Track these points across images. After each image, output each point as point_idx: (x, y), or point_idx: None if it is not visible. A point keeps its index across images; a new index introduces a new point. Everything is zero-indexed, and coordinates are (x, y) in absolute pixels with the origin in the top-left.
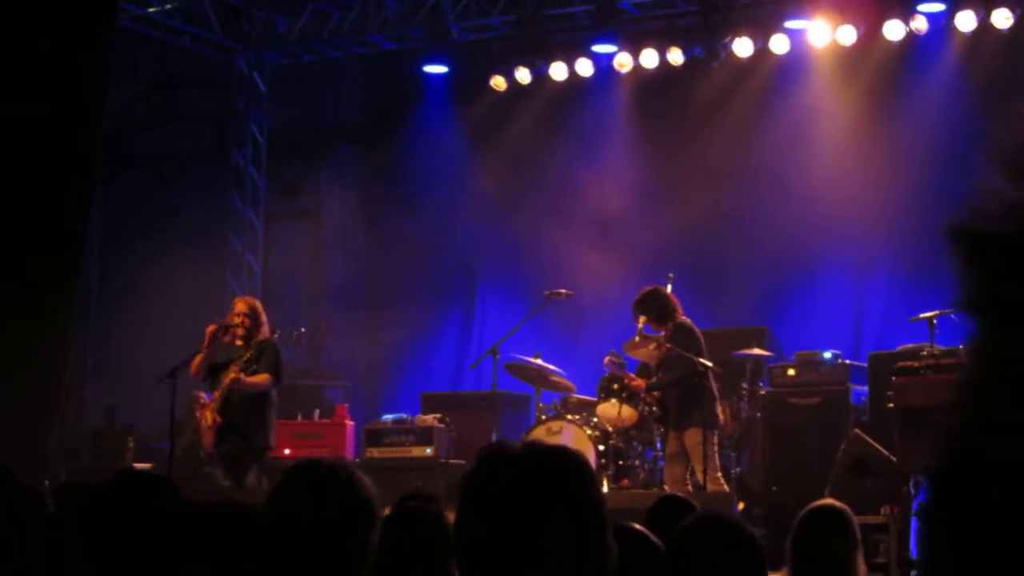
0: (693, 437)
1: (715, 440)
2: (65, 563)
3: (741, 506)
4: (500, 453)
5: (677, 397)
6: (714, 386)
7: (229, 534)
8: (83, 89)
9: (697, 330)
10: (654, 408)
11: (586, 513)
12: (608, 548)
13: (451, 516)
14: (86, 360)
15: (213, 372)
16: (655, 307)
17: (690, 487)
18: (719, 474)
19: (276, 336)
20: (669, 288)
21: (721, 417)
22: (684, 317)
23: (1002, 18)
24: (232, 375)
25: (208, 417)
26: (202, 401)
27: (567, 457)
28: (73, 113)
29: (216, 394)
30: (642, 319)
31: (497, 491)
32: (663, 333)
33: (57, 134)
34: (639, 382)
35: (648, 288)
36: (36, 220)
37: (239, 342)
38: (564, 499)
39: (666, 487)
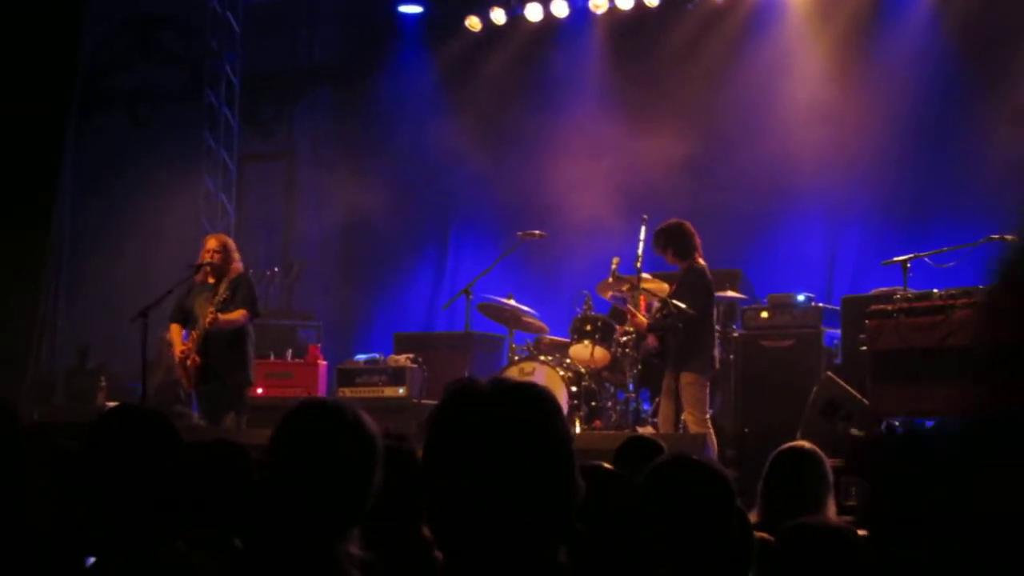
0: (687, 378)
1: (707, 384)
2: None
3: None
4: (467, 388)
5: (679, 340)
6: (715, 332)
7: (224, 473)
8: (57, 27)
9: (708, 276)
10: (653, 349)
11: (552, 448)
12: (575, 484)
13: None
14: (59, 299)
15: (189, 313)
16: (677, 240)
17: (680, 428)
18: (706, 417)
19: (250, 273)
20: (643, 231)
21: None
22: (701, 260)
23: None
24: (209, 316)
25: (187, 356)
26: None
27: (534, 392)
28: (47, 51)
29: (194, 334)
30: (616, 260)
31: (464, 425)
32: (678, 269)
33: (32, 72)
34: (641, 320)
35: (674, 220)
36: (10, 157)
37: (211, 279)
38: (530, 434)
39: (659, 421)
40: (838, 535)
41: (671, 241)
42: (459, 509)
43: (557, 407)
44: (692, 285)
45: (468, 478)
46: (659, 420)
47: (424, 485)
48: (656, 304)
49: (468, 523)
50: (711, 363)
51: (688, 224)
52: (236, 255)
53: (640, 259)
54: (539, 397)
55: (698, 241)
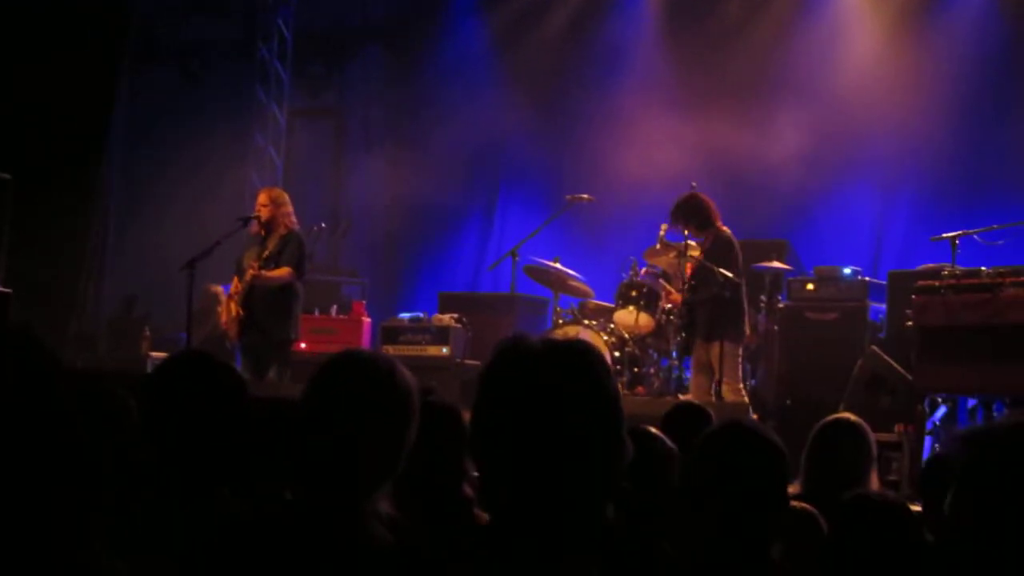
0: (718, 348)
1: (740, 352)
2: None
3: (755, 418)
4: (519, 346)
5: (709, 310)
6: (745, 300)
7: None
8: None
9: (735, 242)
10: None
11: (603, 406)
12: (624, 442)
13: (465, 415)
14: (106, 249)
15: (240, 264)
16: (695, 214)
17: (713, 397)
18: (740, 385)
19: (300, 231)
20: None
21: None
22: (724, 227)
23: None
24: (250, 271)
25: (232, 309)
26: (221, 294)
27: (585, 350)
28: (99, 1)
29: (239, 286)
30: (664, 227)
31: (515, 382)
32: (703, 240)
33: (84, 22)
34: (676, 296)
35: (687, 194)
36: (62, 108)
37: (262, 232)
38: (581, 392)
39: (691, 396)
40: (896, 509)
41: (689, 215)
42: (509, 465)
43: (607, 366)
44: (720, 253)
45: (519, 434)
46: (691, 391)
47: (472, 442)
48: (687, 274)
49: (518, 479)
50: (743, 332)
51: (700, 194)
52: (289, 210)
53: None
54: (590, 355)
55: (715, 208)
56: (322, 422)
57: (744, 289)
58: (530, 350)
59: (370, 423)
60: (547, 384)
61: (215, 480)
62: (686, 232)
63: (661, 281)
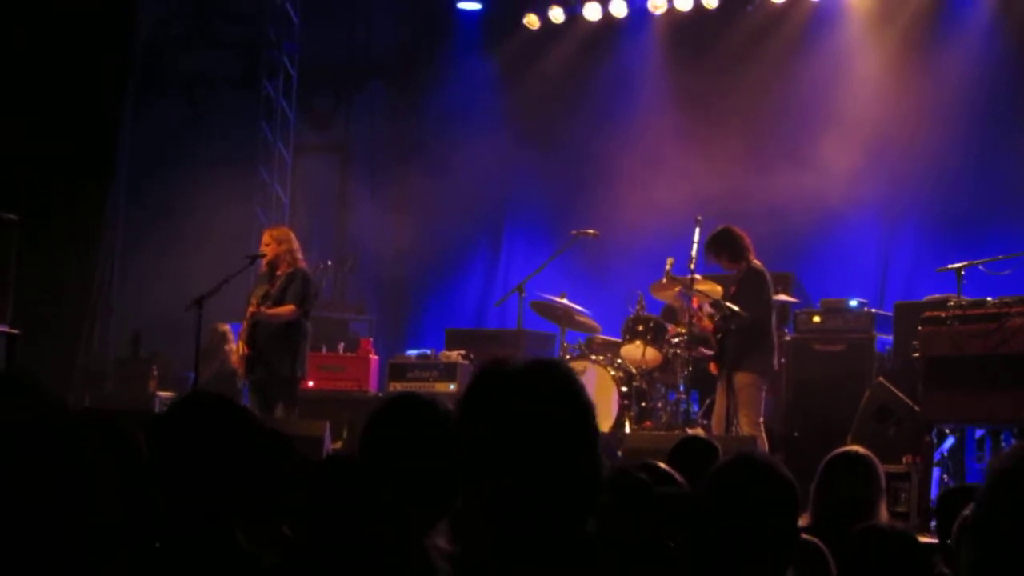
0: (743, 379)
1: (764, 387)
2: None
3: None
4: (495, 366)
5: (737, 341)
6: (774, 334)
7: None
8: (115, 8)
9: (766, 274)
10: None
11: (578, 423)
12: (599, 458)
13: None
14: (112, 286)
15: (248, 302)
16: (728, 246)
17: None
18: (760, 420)
19: (307, 269)
20: (697, 232)
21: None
22: (756, 260)
23: None
24: (250, 309)
25: (240, 346)
26: (228, 333)
27: (557, 370)
28: (106, 31)
29: (245, 324)
30: (670, 261)
31: (491, 401)
32: (735, 272)
33: (90, 52)
34: (707, 323)
35: (721, 227)
36: (67, 140)
37: (276, 272)
38: (556, 410)
39: (713, 425)
40: (906, 540)
41: (723, 247)
42: (488, 481)
43: (580, 383)
44: (752, 286)
45: (497, 453)
46: (712, 420)
47: (457, 459)
48: (707, 307)
49: (498, 496)
50: (770, 365)
51: (734, 228)
52: (294, 247)
53: (693, 260)
54: (563, 373)
55: (748, 241)
56: (384, 460)
57: (773, 322)
58: (506, 370)
59: (430, 461)
60: (522, 402)
61: (227, 518)
62: (692, 267)
63: (696, 308)
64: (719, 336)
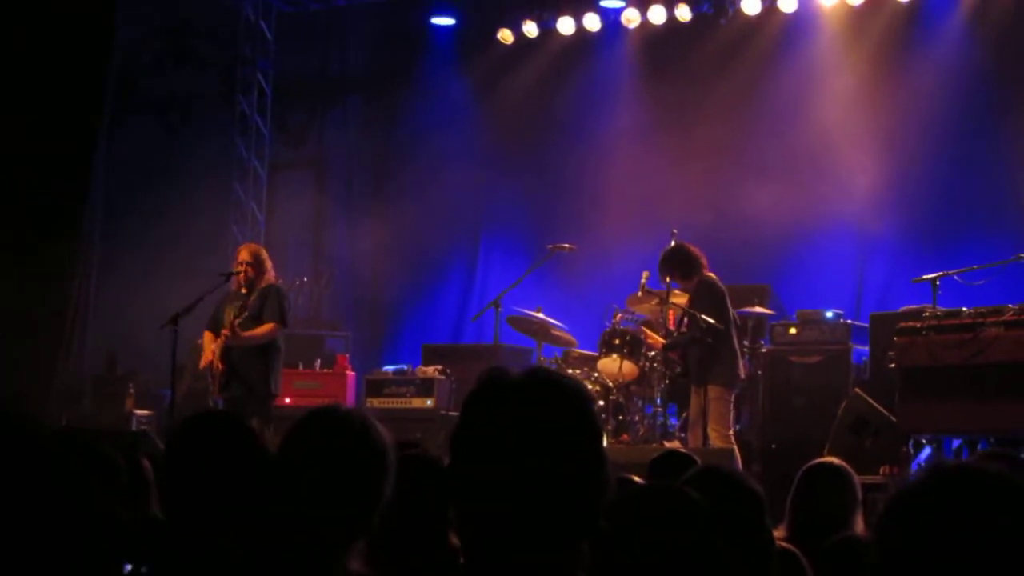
0: (711, 392)
1: (731, 398)
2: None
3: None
4: (499, 376)
5: (698, 355)
6: (736, 344)
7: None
8: (90, 30)
9: (720, 287)
10: (676, 367)
11: (584, 440)
12: (605, 478)
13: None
14: (88, 305)
15: (219, 321)
16: (679, 264)
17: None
18: (730, 432)
19: (281, 284)
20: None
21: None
22: (709, 273)
23: None
24: (224, 331)
25: (211, 363)
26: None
27: (567, 383)
28: (80, 54)
29: (219, 341)
30: (646, 275)
31: (495, 413)
32: (689, 288)
33: (63, 75)
34: (657, 339)
35: (672, 245)
36: (41, 162)
37: (243, 290)
38: (562, 424)
39: (688, 438)
40: None
41: (674, 266)
42: (486, 497)
43: (590, 399)
44: (705, 299)
45: (497, 467)
46: (688, 435)
47: (451, 475)
48: (685, 318)
49: (494, 511)
50: (735, 376)
51: (685, 244)
52: (268, 265)
53: None
54: (572, 388)
55: (700, 256)
56: (295, 478)
57: (734, 332)
58: (510, 381)
59: (343, 480)
60: (527, 415)
61: (222, 532)
62: (668, 280)
63: (643, 328)
64: (680, 353)
